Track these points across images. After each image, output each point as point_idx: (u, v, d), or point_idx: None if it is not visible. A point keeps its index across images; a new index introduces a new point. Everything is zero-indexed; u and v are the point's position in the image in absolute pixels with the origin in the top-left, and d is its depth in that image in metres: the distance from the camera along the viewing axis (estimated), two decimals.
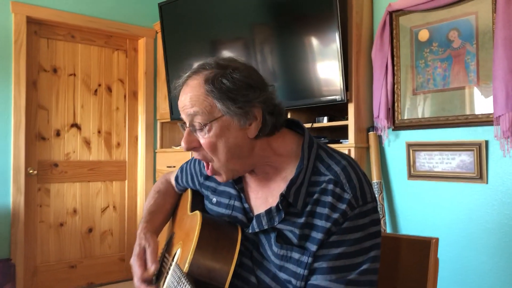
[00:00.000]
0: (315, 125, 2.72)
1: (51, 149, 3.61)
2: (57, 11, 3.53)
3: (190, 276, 0.94)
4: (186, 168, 1.31)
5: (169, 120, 3.76)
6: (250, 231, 1.02)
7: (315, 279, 0.93)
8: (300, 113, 2.81)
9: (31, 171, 3.47)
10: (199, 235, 0.98)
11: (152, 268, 1.08)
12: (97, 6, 3.74)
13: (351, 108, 2.58)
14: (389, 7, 2.55)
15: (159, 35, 3.91)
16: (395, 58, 2.55)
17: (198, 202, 1.23)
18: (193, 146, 0.98)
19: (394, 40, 2.55)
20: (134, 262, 1.11)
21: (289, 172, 1.01)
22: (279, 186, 1.01)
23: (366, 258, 0.93)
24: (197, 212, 1.06)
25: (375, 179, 2.56)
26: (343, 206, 0.93)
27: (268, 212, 1.00)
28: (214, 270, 0.95)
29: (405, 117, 2.52)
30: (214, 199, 1.15)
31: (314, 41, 2.60)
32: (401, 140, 2.55)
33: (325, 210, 0.94)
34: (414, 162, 2.47)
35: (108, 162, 3.92)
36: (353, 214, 0.93)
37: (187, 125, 0.98)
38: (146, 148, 4.03)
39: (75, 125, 3.74)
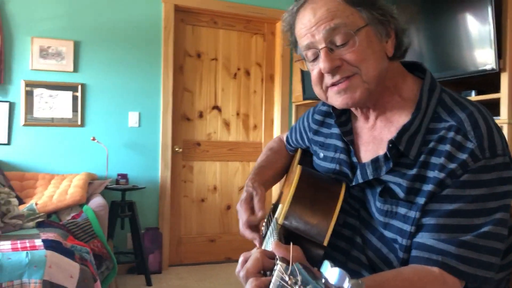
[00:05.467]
0: None
1: (194, 129, 3.87)
2: None
3: (285, 229, 0.88)
4: (296, 126, 1.25)
5: (303, 102, 3.72)
6: (354, 183, 0.92)
7: (421, 237, 0.79)
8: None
9: (177, 149, 3.76)
10: (296, 187, 0.91)
11: (259, 214, 0.98)
12: None
13: (504, 78, 2.22)
14: None
15: None
16: None
17: (306, 160, 1.16)
18: (337, 65, 0.86)
19: None
20: (241, 207, 1.01)
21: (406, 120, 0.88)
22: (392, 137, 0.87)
23: (489, 220, 0.76)
24: (298, 166, 0.99)
25: None
26: (464, 156, 0.77)
27: (375, 161, 0.88)
28: (312, 224, 0.88)
29: None
30: (321, 154, 1.06)
31: (462, 2, 2.30)
32: None
33: (440, 160, 0.79)
34: None
35: (246, 143, 4.05)
36: (476, 166, 0.77)
37: (324, 44, 0.86)
38: (281, 130, 4.06)
39: (216, 107, 3.94)
